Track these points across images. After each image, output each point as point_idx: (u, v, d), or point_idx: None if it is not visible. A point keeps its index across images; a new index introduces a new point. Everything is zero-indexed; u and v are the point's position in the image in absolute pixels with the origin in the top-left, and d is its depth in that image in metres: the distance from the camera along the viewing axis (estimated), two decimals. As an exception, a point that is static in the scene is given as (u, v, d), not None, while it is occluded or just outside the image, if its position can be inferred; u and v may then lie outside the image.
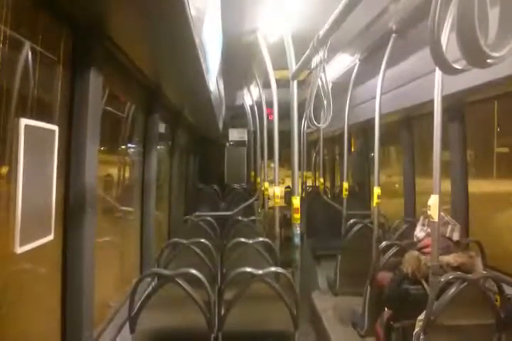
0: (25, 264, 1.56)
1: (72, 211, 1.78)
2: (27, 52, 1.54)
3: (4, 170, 1.43)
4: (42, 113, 1.67)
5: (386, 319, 2.91)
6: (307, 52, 2.81)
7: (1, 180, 1.44)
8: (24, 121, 1.28)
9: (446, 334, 2.36)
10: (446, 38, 1.10)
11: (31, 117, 1.36)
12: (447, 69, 1.11)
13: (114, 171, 3.51)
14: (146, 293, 2.53)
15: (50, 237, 1.46)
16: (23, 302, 1.64)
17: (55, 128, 1.49)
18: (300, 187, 5.49)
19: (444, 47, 1.06)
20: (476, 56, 0.94)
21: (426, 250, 2.58)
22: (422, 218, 2.66)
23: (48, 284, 1.81)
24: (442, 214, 2.73)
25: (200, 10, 2.05)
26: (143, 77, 2.97)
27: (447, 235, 2.63)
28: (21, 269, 1.56)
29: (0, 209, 1.39)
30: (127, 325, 2.47)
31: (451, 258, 2.51)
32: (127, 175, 3.82)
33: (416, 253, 2.67)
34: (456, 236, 2.63)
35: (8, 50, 1.51)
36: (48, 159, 1.46)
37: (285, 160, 4.43)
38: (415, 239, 2.83)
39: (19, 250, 1.26)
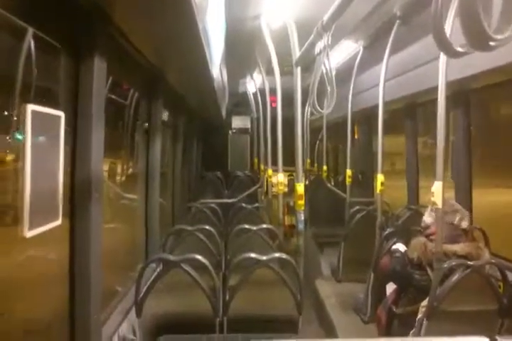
0: (33, 248, 1.59)
1: (78, 196, 1.80)
2: (30, 39, 1.54)
3: (13, 155, 1.46)
4: (48, 99, 1.68)
5: (388, 305, 2.95)
6: (311, 38, 2.79)
7: (10, 166, 1.46)
8: (31, 107, 1.28)
9: (450, 320, 2.39)
10: (450, 23, 1.10)
11: (37, 103, 1.36)
12: (450, 52, 1.10)
13: (118, 158, 3.53)
14: (152, 278, 2.56)
15: (58, 222, 1.48)
16: (32, 285, 1.67)
17: (61, 114, 1.50)
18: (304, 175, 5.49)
19: (448, 32, 1.06)
20: (479, 39, 0.94)
21: (433, 237, 2.57)
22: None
23: (57, 268, 1.84)
24: (452, 202, 2.73)
25: (204, -5, 2.04)
26: (146, 63, 2.96)
27: (455, 223, 2.62)
28: (30, 253, 1.59)
29: (9, 194, 1.41)
30: (133, 309, 2.51)
31: (458, 248, 2.51)
32: (131, 161, 3.85)
33: (423, 239, 2.68)
34: (464, 225, 2.62)
35: (13, 37, 1.52)
36: (55, 145, 1.47)
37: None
38: (423, 224, 2.83)
39: (28, 234, 1.28)
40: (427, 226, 2.76)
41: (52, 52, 1.73)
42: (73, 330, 1.83)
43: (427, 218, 2.77)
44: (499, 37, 0.94)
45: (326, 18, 2.41)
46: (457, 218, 2.61)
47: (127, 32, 2.23)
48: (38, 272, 1.76)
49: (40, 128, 1.34)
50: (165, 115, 4.73)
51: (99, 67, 1.86)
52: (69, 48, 1.79)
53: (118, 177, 3.81)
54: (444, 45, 1.06)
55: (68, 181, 1.74)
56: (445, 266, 2.35)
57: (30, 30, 1.53)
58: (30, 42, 1.55)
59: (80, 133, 1.80)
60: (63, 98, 1.78)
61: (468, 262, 2.37)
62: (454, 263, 2.37)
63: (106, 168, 3.06)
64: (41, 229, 1.35)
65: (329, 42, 2.66)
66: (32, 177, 1.28)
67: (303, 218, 3.63)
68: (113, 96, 3.09)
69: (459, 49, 1.06)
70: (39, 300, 1.75)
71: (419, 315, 2.49)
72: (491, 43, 0.93)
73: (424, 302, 2.46)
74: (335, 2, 2.16)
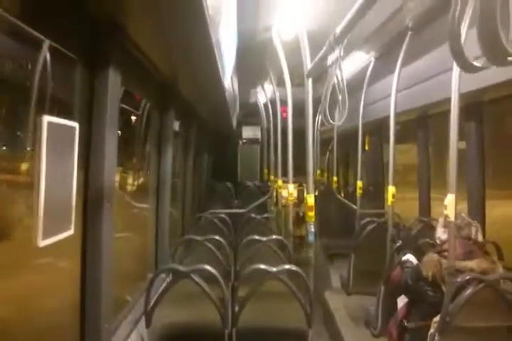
0: (46, 258, 1.59)
1: (91, 206, 1.81)
2: (46, 51, 1.57)
3: (28, 165, 1.47)
4: (63, 110, 1.70)
5: (399, 319, 2.90)
6: (323, 50, 2.81)
7: (25, 176, 1.47)
8: (47, 118, 1.30)
9: (462, 336, 2.34)
10: (464, 35, 1.09)
11: (53, 114, 1.38)
12: (466, 66, 1.10)
13: (129, 168, 3.54)
14: (162, 288, 2.56)
15: (71, 232, 1.49)
16: (44, 294, 1.68)
17: (76, 125, 1.52)
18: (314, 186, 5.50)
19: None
20: (496, 53, 0.93)
21: (447, 253, 2.52)
22: (442, 219, 2.60)
23: (68, 277, 1.85)
24: (463, 215, 2.69)
25: (217, 8, 2.06)
26: (159, 75, 3.00)
27: (473, 237, 2.58)
28: (43, 262, 1.60)
29: (24, 203, 1.42)
30: (143, 319, 2.50)
31: (474, 264, 2.47)
32: (143, 171, 3.86)
33: (436, 256, 2.63)
34: (480, 238, 2.59)
35: (30, 49, 1.55)
36: (69, 155, 1.48)
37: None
38: (438, 241, 2.78)
39: (41, 243, 1.29)
40: (442, 243, 2.70)
41: (68, 64, 1.76)
42: (83, 339, 1.83)
43: (442, 234, 2.71)
44: None
45: (338, 30, 2.43)
46: (473, 231, 2.57)
47: (141, 44, 2.26)
48: (50, 281, 1.77)
49: (55, 139, 1.35)
50: (176, 125, 4.76)
51: (113, 78, 1.88)
52: (84, 60, 1.82)
53: (129, 187, 3.83)
54: (461, 59, 1.05)
55: (81, 191, 1.76)
56: (458, 280, 2.31)
57: (47, 42, 1.56)
58: (46, 54, 1.57)
59: (94, 144, 1.82)
60: (78, 109, 1.81)
61: (482, 276, 2.33)
62: (467, 278, 2.33)
63: (117, 177, 3.07)
64: (54, 239, 1.36)
65: (341, 54, 2.67)
66: (46, 187, 1.30)
67: (313, 229, 3.61)
68: (126, 107, 3.12)
69: (476, 63, 1.05)
70: (51, 309, 1.75)
71: (431, 330, 2.44)
72: (509, 58, 0.93)
73: (437, 317, 2.42)
74: (347, 14, 2.17)
